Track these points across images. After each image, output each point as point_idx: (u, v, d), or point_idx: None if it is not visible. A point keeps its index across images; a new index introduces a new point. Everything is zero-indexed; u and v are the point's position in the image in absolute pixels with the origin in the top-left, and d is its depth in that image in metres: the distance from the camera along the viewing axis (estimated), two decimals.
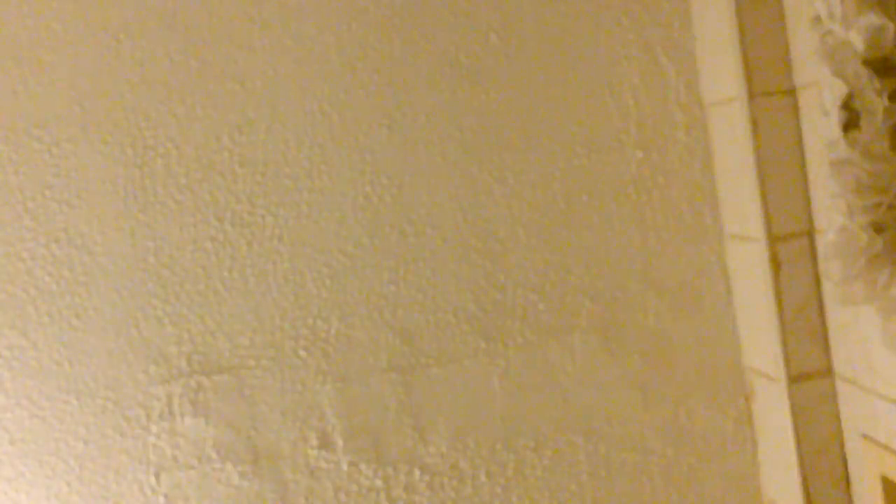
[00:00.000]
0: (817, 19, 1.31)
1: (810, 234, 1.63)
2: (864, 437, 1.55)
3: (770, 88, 1.61)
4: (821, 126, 1.48)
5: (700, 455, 1.86)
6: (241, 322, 1.77)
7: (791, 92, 1.61)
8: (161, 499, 1.77)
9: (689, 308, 1.83)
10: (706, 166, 1.81)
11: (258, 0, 1.75)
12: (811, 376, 1.64)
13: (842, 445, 1.64)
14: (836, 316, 1.60)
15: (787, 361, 1.64)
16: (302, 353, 1.78)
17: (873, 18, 1.21)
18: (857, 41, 1.24)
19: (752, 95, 1.61)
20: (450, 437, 1.82)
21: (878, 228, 1.27)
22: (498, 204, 1.80)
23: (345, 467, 1.80)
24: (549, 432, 1.83)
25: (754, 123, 1.61)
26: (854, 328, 1.54)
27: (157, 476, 1.77)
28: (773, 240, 1.63)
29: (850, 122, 1.27)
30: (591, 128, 1.80)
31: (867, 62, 1.24)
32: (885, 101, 1.23)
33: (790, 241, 1.63)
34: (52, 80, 1.72)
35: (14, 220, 1.72)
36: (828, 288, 1.61)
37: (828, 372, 1.64)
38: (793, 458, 1.66)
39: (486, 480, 1.83)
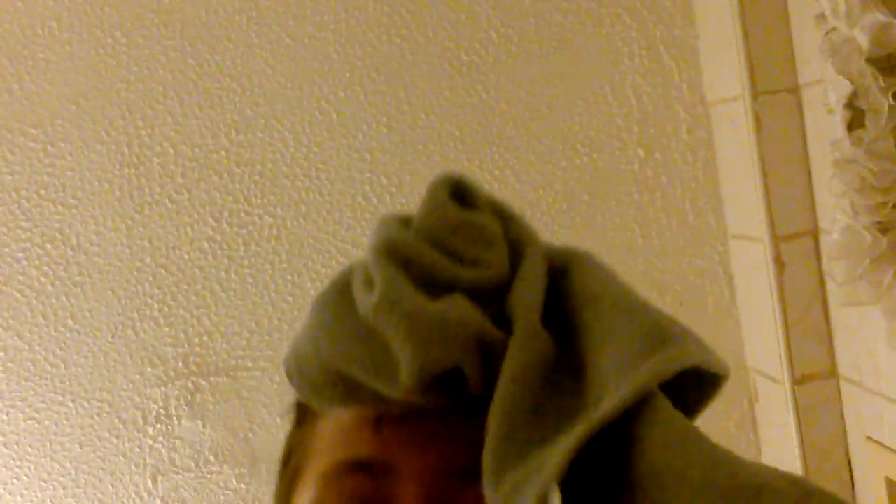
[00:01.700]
0: (822, 17, 1.30)
1: (814, 233, 1.61)
2: (869, 439, 1.54)
3: (773, 87, 1.60)
4: (825, 125, 1.46)
5: None
6: (239, 323, 1.76)
7: (795, 90, 1.60)
8: (158, 502, 1.76)
9: (691, 309, 1.82)
10: (709, 165, 1.80)
11: None
12: (815, 378, 1.63)
13: (846, 447, 1.63)
14: (841, 317, 1.59)
15: (791, 363, 1.63)
16: None
17: (878, 16, 1.20)
18: (862, 39, 1.22)
19: (755, 94, 1.60)
20: None
21: (883, 228, 1.26)
22: None
23: None
24: None
25: (757, 122, 1.60)
26: (859, 329, 1.53)
27: (153, 479, 1.76)
28: (777, 240, 1.62)
29: (855, 121, 1.26)
30: (592, 126, 1.79)
31: (872, 60, 1.22)
32: (890, 100, 1.21)
33: (794, 241, 1.62)
34: (47, 80, 1.71)
35: (9, 220, 1.72)
36: (832, 288, 1.60)
37: (832, 373, 1.62)
38: (797, 461, 1.65)
39: None
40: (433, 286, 0.64)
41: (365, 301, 0.65)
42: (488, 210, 0.69)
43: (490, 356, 0.63)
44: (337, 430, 0.68)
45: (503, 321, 0.65)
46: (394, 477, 0.65)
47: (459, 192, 0.69)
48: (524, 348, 0.63)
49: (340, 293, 0.68)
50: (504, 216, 0.70)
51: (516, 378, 0.62)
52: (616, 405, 0.59)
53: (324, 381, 0.66)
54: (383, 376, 0.63)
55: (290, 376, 0.69)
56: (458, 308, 0.63)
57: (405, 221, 0.68)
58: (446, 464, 0.65)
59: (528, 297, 0.65)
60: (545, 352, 0.64)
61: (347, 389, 0.65)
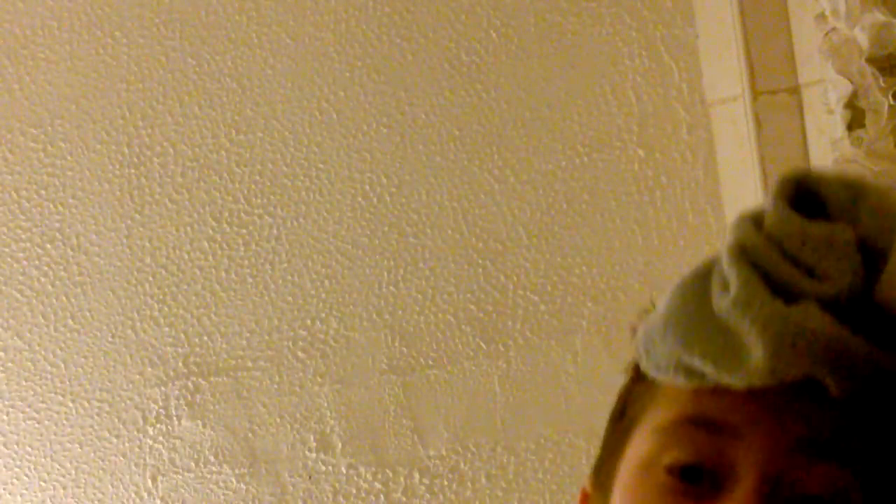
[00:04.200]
0: (822, 17, 1.30)
1: None
2: None
3: (773, 87, 1.60)
4: (825, 125, 1.46)
5: None
6: (239, 323, 1.76)
7: (795, 90, 1.59)
8: (158, 502, 1.76)
9: None
10: (709, 165, 1.80)
11: None
12: None
13: None
14: None
15: None
16: (300, 354, 1.77)
17: (878, 16, 1.20)
18: (862, 39, 1.22)
19: (755, 94, 1.60)
20: (449, 440, 1.80)
21: None
22: (498, 204, 1.78)
23: (343, 470, 1.79)
24: (550, 434, 1.82)
25: (757, 122, 1.60)
26: None
27: (153, 479, 1.76)
28: None
29: (855, 121, 1.26)
30: (592, 126, 1.79)
31: (872, 60, 1.23)
32: (890, 100, 1.22)
33: None
34: (47, 79, 1.71)
35: (9, 220, 1.72)
36: None
37: None
38: None
39: (487, 483, 1.82)
40: (784, 293, 0.65)
41: (720, 298, 0.66)
42: (838, 213, 0.68)
43: (850, 367, 0.63)
44: (680, 389, 0.68)
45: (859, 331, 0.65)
46: (735, 439, 0.65)
47: (805, 197, 0.68)
48: None
49: (700, 283, 0.69)
50: (856, 219, 0.68)
51: None
52: None
53: (667, 363, 0.67)
54: (730, 373, 0.64)
55: (637, 343, 0.71)
56: (815, 316, 0.63)
57: (757, 222, 0.68)
58: (793, 436, 0.65)
59: None
60: None
61: (689, 374, 0.66)
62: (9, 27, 1.71)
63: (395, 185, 1.77)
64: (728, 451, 0.65)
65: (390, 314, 1.78)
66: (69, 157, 1.72)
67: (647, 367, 0.69)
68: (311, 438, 1.78)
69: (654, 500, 0.67)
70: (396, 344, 1.78)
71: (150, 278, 1.74)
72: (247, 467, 1.78)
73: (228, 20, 1.74)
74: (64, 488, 1.75)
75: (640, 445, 0.69)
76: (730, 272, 0.66)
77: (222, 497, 1.77)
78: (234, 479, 1.77)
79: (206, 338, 1.76)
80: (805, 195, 0.68)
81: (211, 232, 1.75)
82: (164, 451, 1.76)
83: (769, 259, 0.66)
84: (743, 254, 0.66)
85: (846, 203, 0.68)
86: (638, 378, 0.72)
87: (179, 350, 1.75)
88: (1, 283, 1.72)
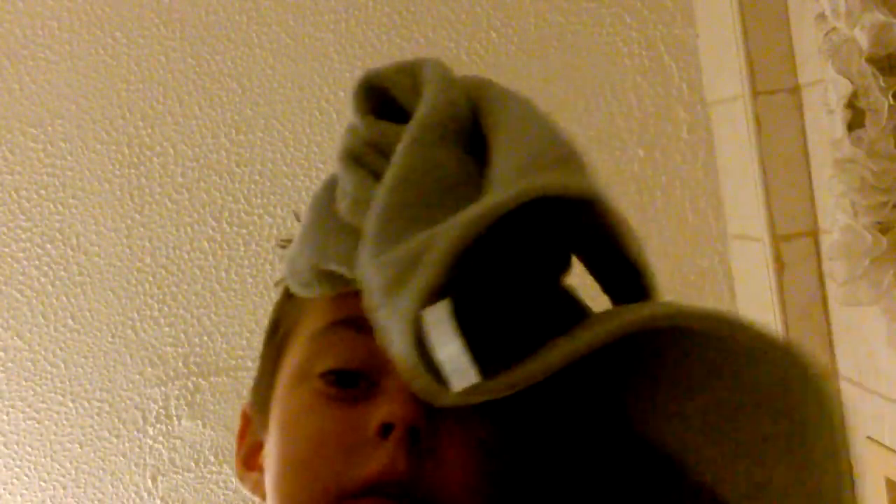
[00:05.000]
0: (822, 16, 1.30)
1: (814, 234, 1.61)
2: (869, 439, 1.54)
3: (773, 87, 1.60)
4: (825, 125, 1.47)
5: None
6: (239, 323, 1.76)
7: (795, 90, 1.59)
8: (158, 502, 1.76)
9: None
10: (709, 165, 1.80)
11: None
12: None
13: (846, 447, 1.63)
14: (841, 317, 1.59)
15: None
16: None
17: (878, 16, 1.20)
18: (862, 38, 1.22)
19: (755, 93, 1.60)
20: None
21: (883, 228, 1.26)
22: None
23: None
24: None
25: (757, 122, 1.60)
26: (859, 329, 1.52)
27: (153, 479, 1.76)
28: (777, 240, 1.62)
29: (855, 121, 1.26)
30: (592, 126, 1.79)
31: (872, 60, 1.22)
32: (890, 100, 1.22)
33: (794, 241, 1.62)
34: (48, 79, 1.71)
35: (9, 219, 1.72)
36: (832, 289, 1.60)
37: (832, 374, 1.62)
38: None
39: None
40: None
41: (342, 203, 0.69)
42: (408, 104, 0.70)
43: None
44: (328, 298, 0.70)
45: None
46: None
47: (380, 99, 0.72)
48: (409, 152, 0.66)
49: (326, 195, 0.72)
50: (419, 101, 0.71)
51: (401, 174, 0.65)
52: (499, 199, 0.60)
53: (308, 277, 0.70)
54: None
55: (284, 266, 0.74)
56: None
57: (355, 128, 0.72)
58: None
59: (421, 111, 0.67)
60: (435, 157, 0.66)
61: (332, 282, 0.68)
62: (9, 27, 1.71)
63: None
64: (378, 349, 0.64)
65: None
66: (69, 157, 1.72)
67: (294, 286, 0.71)
68: None
69: (310, 409, 0.67)
70: None
71: (151, 278, 1.74)
72: None
73: (228, 20, 1.74)
74: (64, 488, 1.75)
75: (293, 357, 0.70)
76: (345, 177, 0.69)
77: (222, 497, 1.77)
78: (234, 479, 1.77)
79: (206, 338, 1.76)
80: (379, 97, 0.71)
81: (211, 232, 1.75)
82: (164, 450, 1.76)
83: (374, 162, 0.69)
84: (352, 159, 0.70)
85: (409, 90, 0.71)
86: (290, 295, 0.73)
87: (179, 350, 1.75)
88: (1, 283, 1.72)
